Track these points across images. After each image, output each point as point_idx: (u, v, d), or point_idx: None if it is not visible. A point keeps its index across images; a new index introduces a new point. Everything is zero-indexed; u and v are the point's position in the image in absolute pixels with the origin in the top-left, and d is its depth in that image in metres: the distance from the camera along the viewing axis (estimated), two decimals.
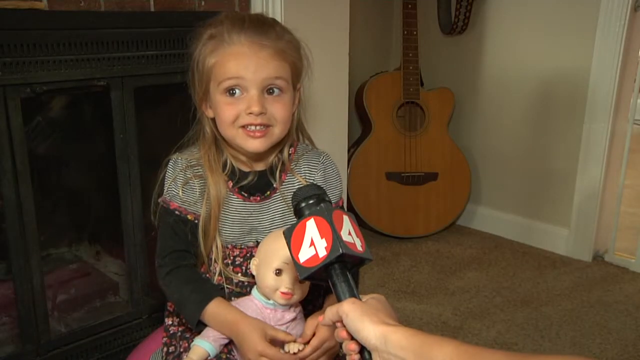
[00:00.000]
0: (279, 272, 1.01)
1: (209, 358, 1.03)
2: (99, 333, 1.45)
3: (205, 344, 1.02)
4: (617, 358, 1.67)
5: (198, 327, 1.05)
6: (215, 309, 1.03)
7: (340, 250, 0.76)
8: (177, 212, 1.09)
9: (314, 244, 0.78)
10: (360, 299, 0.78)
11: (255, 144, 1.04)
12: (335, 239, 0.77)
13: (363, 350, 0.75)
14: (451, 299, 2.00)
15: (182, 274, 1.08)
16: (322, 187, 0.87)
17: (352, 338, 0.75)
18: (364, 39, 2.64)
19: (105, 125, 1.38)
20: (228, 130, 1.05)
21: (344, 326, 0.76)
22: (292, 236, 0.81)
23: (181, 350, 1.08)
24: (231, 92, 1.02)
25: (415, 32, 2.39)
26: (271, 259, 1.02)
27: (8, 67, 1.17)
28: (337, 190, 1.16)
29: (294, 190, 1.07)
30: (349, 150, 2.33)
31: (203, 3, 1.47)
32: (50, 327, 1.37)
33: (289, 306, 1.05)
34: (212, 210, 1.07)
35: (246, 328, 0.99)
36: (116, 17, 1.32)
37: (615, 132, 2.20)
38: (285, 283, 1.01)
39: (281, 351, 1.00)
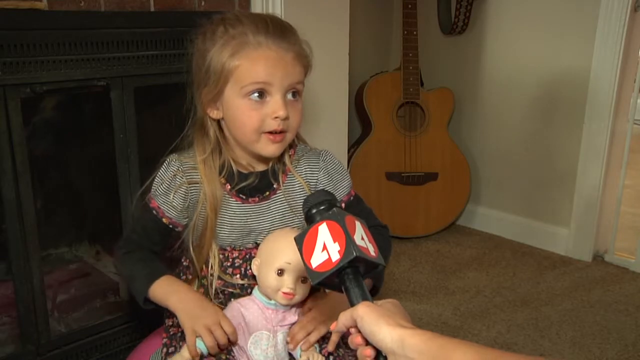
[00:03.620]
0: (280, 272, 1.01)
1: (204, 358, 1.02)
2: (99, 333, 1.45)
3: (201, 343, 1.01)
4: (617, 358, 1.67)
5: (146, 304, 1.06)
6: (165, 280, 1.05)
7: (354, 254, 0.75)
8: (154, 212, 1.09)
9: (326, 248, 0.77)
10: (374, 303, 0.76)
11: (273, 149, 1.04)
12: (348, 243, 0.76)
13: (379, 355, 0.72)
14: (451, 299, 2.00)
15: (137, 255, 1.10)
16: (333, 193, 0.87)
17: (367, 344, 0.73)
18: (364, 39, 2.64)
19: (105, 125, 1.38)
20: (249, 135, 1.03)
21: (359, 331, 0.74)
22: (303, 242, 0.79)
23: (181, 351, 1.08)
24: (259, 95, 1.01)
25: (415, 32, 2.39)
26: (273, 259, 1.01)
27: (8, 67, 1.16)
28: (345, 183, 1.15)
29: (293, 191, 1.08)
30: (349, 150, 2.33)
31: (203, 3, 1.47)
32: (50, 327, 1.37)
33: (290, 307, 1.05)
34: (207, 219, 1.07)
35: (204, 299, 1.04)
36: (116, 17, 1.32)
37: (615, 132, 2.20)
38: (287, 283, 1.01)
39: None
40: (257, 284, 1.07)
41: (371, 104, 2.41)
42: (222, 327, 0.99)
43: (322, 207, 0.82)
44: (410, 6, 2.38)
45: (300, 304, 1.06)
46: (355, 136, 2.52)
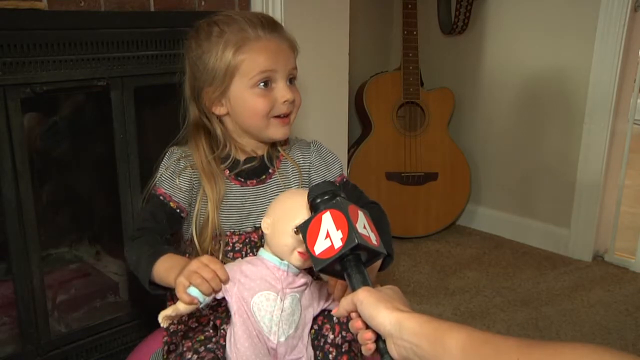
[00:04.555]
0: (297, 231, 0.95)
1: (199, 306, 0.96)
2: (99, 333, 1.45)
3: (193, 290, 0.94)
4: None
5: (153, 289, 1.03)
6: (165, 258, 1.01)
7: (356, 241, 0.78)
8: (161, 197, 1.11)
9: (329, 235, 0.80)
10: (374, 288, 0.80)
11: (284, 131, 1.12)
12: (351, 231, 0.79)
13: (378, 339, 0.76)
14: (451, 299, 2.00)
15: (144, 239, 1.08)
16: (336, 184, 0.90)
17: (367, 327, 0.76)
18: (364, 39, 2.64)
19: (105, 126, 1.38)
20: (259, 121, 1.10)
21: (359, 316, 0.77)
22: (308, 229, 0.82)
23: (184, 349, 1.08)
24: (265, 84, 1.08)
25: (415, 32, 2.39)
26: (290, 216, 0.96)
27: (8, 67, 1.16)
28: (336, 165, 1.20)
29: (287, 174, 1.15)
30: (349, 150, 2.33)
31: (203, 3, 1.47)
32: (50, 327, 1.37)
33: (299, 271, 1.02)
34: (208, 213, 1.10)
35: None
36: (116, 17, 1.32)
37: (615, 132, 2.20)
38: None
39: None
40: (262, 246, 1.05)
41: (371, 104, 2.41)
42: (208, 266, 0.94)
43: (326, 197, 0.85)
44: (410, 6, 2.38)
45: (308, 271, 1.04)
46: (355, 136, 2.52)
